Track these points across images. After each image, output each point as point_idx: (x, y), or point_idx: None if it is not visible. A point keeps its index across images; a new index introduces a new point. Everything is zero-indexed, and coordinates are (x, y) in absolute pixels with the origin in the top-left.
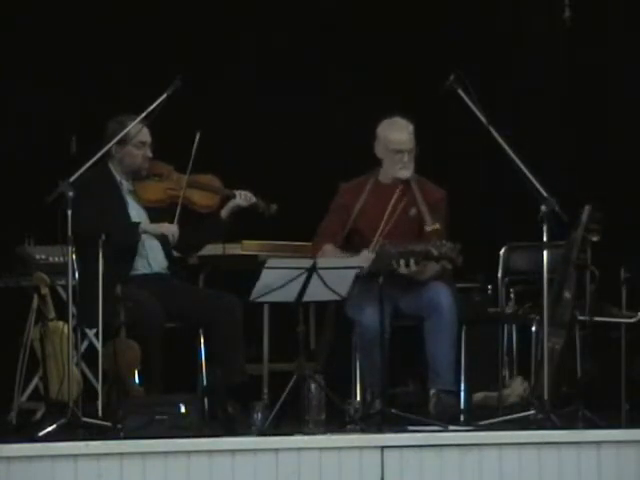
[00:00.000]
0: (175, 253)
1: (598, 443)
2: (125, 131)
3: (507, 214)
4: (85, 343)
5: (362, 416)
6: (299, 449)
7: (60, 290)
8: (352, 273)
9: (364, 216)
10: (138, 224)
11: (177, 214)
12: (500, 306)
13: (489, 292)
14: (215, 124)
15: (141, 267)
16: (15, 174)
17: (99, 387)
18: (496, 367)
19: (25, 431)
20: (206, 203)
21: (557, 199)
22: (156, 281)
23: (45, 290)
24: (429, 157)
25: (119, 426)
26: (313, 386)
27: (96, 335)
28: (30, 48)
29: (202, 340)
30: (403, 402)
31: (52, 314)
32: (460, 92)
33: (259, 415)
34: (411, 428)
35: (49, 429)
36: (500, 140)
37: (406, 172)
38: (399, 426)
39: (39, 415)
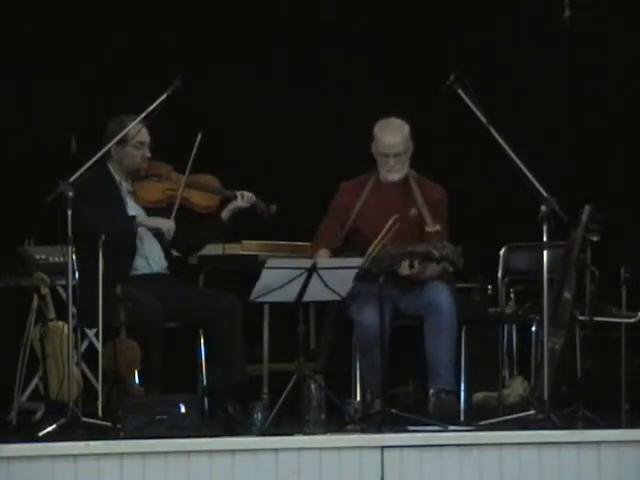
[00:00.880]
0: (175, 253)
1: (598, 443)
2: (125, 131)
3: (507, 214)
4: (85, 343)
5: (362, 416)
6: (299, 449)
7: (60, 290)
8: (352, 273)
9: (364, 216)
10: (134, 217)
11: (174, 211)
12: (500, 306)
13: (489, 292)
14: (215, 124)
15: (141, 267)
16: (15, 174)
17: (99, 387)
18: (496, 367)
19: (25, 431)
20: (205, 204)
21: (557, 199)
22: (156, 281)
23: (45, 290)
24: (429, 157)
25: (119, 426)
26: (313, 386)
27: (96, 335)
28: (30, 48)
29: (202, 340)
30: (403, 402)
31: (52, 314)
32: (460, 92)
33: (259, 415)
34: (411, 428)
35: (49, 429)
36: (500, 140)
37: (394, 175)
38: (399, 426)
39: (39, 415)
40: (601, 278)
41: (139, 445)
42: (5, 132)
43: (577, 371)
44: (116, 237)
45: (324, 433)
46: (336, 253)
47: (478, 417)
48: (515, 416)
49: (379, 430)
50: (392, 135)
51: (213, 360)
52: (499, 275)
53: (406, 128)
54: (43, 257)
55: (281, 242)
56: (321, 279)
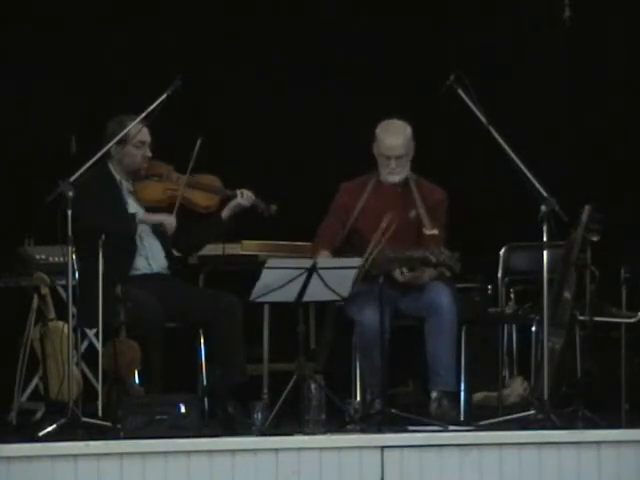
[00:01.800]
0: (175, 253)
1: (598, 443)
2: (125, 131)
3: (507, 214)
4: (85, 343)
5: (362, 416)
6: (299, 449)
7: (60, 290)
8: (352, 273)
9: (364, 216)
10: (134, 214)
11: (175, 210)
12: (500, 306)
13: (489, 292)
14: (215, 124)
15: (141, 267)
16: (15, 174)
17: (99, 387)
18: (496, 367)
19: (25, 431)
20: (206, 204)
21: (557, 199)
22: (156, 281)
23: (45, 290)
24: (429, 157)
25: (119, 426)
26: (313, 386)
27: (96, 335)
28: (30, 48)
29: (202, 340)
30: (403, 402)
31: (52, 314)
32: (460, 92)
33: (259, 415)
34: (411, 428)
35: (49, 429)
36: (500, 140)
37: (395, 177)
38: (399, 426)
39: (39, 415)
40: (601, 278)
41: (139, 445)
42: (5, 132)
43: (577, 371)
44: (117, 234)
45: (324, 433)
46: (336, 254)
47: (478, 417)
48: (515, 416)
49: (379, 430)
50: (394, 137)
51: (213, 360)
52: (499, 275)
53: (408, 130)
54: (43, 257)
55: (281, 242)
56: (321, 279)
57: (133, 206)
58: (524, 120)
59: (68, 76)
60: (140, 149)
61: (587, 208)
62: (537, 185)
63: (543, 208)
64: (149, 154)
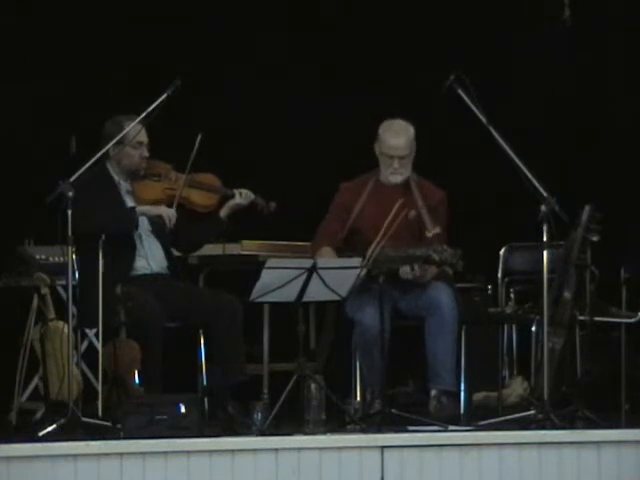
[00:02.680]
0: (175, 252)
1: (598, 443)
2: (125, 131)
3: (507, 214)
4: (85, 343)
5: (362, 416)
6: (299, 449)
7: (60, 290)
8: (352, 273)
9: (364, 216)
10: (134, 208)
11: (174, 207)
12: (500, 306)
13: (489, 292)
14: (214, 123)
15: (141, 267)
16: (15, 174)
17: (99, 387)
18: (496, 367)
19: (25, 431)
20: (205, 203)
21: (557, 199)
22: (156, 281)
23: (45, 290)
24: (429, 157)
25: (119, 426)
26: (313, 386)
27: (96, 335)
28: (30, 48)
29: (202, 340)
30: (403, 402)
31: (52, 314)
32: (460, 92)
33: (259, 415)
34: (411, 428)
35: (49, 429)
36: (500, 140)
37: (397, 177)
38: (399, 426)
39: (39, 415)
40: (601, 278)
41: (139, 445)
42: (5, 132)
43: (577, 371)
44: (117, 230)
45: (324, 433)
46: (337, 253)
47: (478, 417)
48: (515, 416)
49: (379, 430)
50: (397, 137)
51: (213, 360)
52: (499, 275)
53: (411, 130)
54: (43, 257)
55: (281, 242)
56: (321, 279)
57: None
58: (524, 120)
59: (68, 76)
60: (137, 149)
61: (587, 208)
62: (537, 185)
63: (543, 208)
64: (147, 154)
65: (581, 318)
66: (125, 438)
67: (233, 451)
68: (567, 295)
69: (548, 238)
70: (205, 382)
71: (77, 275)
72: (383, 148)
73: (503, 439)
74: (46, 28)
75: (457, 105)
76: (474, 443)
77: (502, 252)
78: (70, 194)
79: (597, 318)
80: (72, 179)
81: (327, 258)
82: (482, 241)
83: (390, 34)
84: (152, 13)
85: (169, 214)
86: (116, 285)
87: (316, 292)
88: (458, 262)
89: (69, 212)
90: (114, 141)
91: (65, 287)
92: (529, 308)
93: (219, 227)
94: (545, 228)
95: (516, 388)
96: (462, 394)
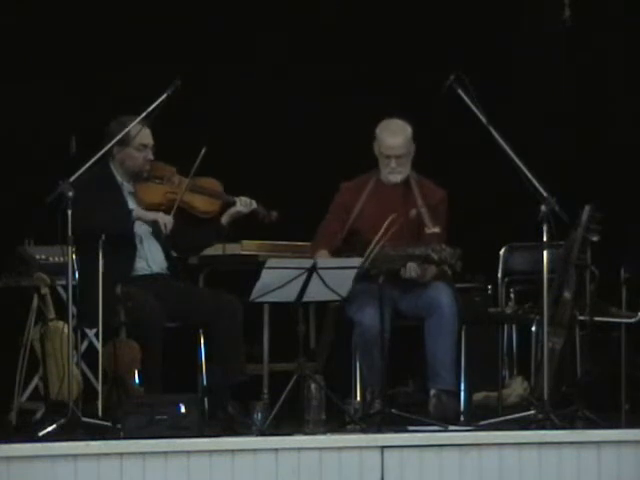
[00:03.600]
0: (174, 254)
1: (598, 443)
2: (125, 131)
3: (507, 214)
4: (85, 343)
5: (362, 416)
6: (299, 449)
7: (60, 290)
8: (352, 273)
9: (364, 216)
10: (131, 211)
11: (173, 211)
12: (500, 306)
13: (489, 292)
14: (214, 123)
15: (141, 268)
16: (15, 174)
17: (99, 387)
18: (496, 367)
19: (25, 431)
20: (206, 208)
21: (557, 199)
22: (156, 281)
23: (45, 290)
24: (429, 157)
25: (119, 426)
26: (313, 386)
27: (96, 335)
28: (30, 48)
29: (202, 340)
30: (403, 402)
31: (52, 314)
32: (460, 92)
33: (259, 415)
34: (411, 428)
35: (49, 429)
36: (500, 140)
37: (396, 177)
38: (399, 426)
39: (39, 415)
40: (601, 278)
41: (139, 445)
42: (5, 132)
43: (577, 371)
44: (113, 230)
45: (324, 433)
46: (336, 254)
47: (478, 417)
48: (515, 416)
49: (379, 430)
50: (394, 137)
51: (213, 360)
52: (499, 275)
53: (408, 129)
54: (43, 257)
55: (281, 242)
56: (321, 279)
57: (133, 207)
58: (524, 120)
59: (68, 76)
60: (142, 152)
61: (587, 208)
62: (537, 185)
63: (543, 208)
64: (151, 157)
65: (581, 318)
66: (125, 438)
67: (233, 451)
68: (567, 295)
69: (548, 238)
70: (205, 382)
71: (77, 275)
72: (381, 148)
73: (503, 439)
74: (46, 28)
75: (457, 105)
76: (474, 443)
77: (502, 252)
78: (70, 194)
79: (597, 318)
80: (72, 179)
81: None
82: (482, 241)
83: (390, 34)
84: (152, 13)
85: (165, 220)
86: (116, 285)
87: (316, 292)
88: (457, 262)
89: (69, 212)
90: (113, 142)
91: (65, 287)
92: (529, 308)
93: (219, 233)
94: (545, 228)
95: (516, 388)
96: (462, 394)
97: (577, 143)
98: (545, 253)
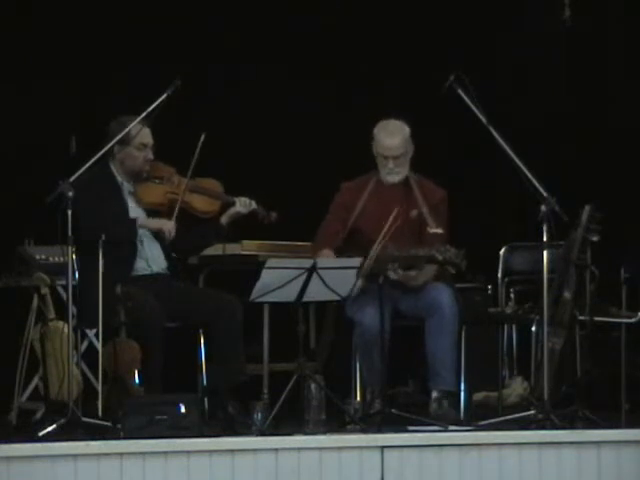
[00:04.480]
0: (174, 254)
1: (598, 443)
2: (125, 131)
3: (507, 214)
4: (85, 343)
5: (362, 416)
6: (299, 449)
7: (60, 290)
8: (352, 273)
9: (365, 216)
10: (135, 219)
11: (174, 214)
12: (500, 306)
13: (489, 292)
14: (214, 123)
15: (141, 268)
16: (15, 174)
17: (99, 387)
18: (496, 367)
19: (25, 431)
20: (206, 209)
21: (557, 199)
22: (156, 282)
23: (45, 290)
24: (429, 157)
25: (119, 426)
26: (313, 386)
27: (96, 335)
28: (30, 48)
29: (202, 340)
30: (403, 402)
31: (52, 314)
32: (460, 92)
33: (259, 415)
34: (411, 428)
35: (49, 429)
36: (500, 140)
37: (394, 177)
38: (399, 426)
39: (39, 415)
40: (601, 278)
41: (139, 445)
42: (5, 132)
43: (577, 371)
44: (117, 240)
45: (324, 433)
46: (337, 254)
47: (478, 417)
48: (515, 416)
49: (379, 430)
50: (392, 137)
51: (213, 360)
52: (499, 275)
53: (406, 130)
54: (43, 257)
55: (281, 242)
56: (321, 279)
57: (133, 208)
58: (524, 120)
59: (68, 76)
60: (142, 151)
61: (587, 208)
62: (537, 185)
63: (543, 208)
64: (151, 157)
65: (581, 318)
66: (125, 438)
67: (233, 451)
68: (567, 295)
69: (548, 238)
70: (205, 382)
71: (77, 275)
72: (378, 148)
73: (503, 439)
74: (46, 28)
75: (457, 105)
76: (474, 443)
77: (502, 252)
78: (70, 194)
79: (597, 318)
80: (72, 179)
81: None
82: (482, 241)
83: (390, 34)
84: (152, 13)
85: (169, 228)
86: (116, 285)
87: (316, 292)
88: (462, 262)
89: (69, 212)
90: (114, 142)
91: (65, 287)
92: (529, 308)
93: (219, 233)
94: (545, 228)
95: (516, 388)
96: (462, 394)
97: (577, 143)
98: (545, 253)
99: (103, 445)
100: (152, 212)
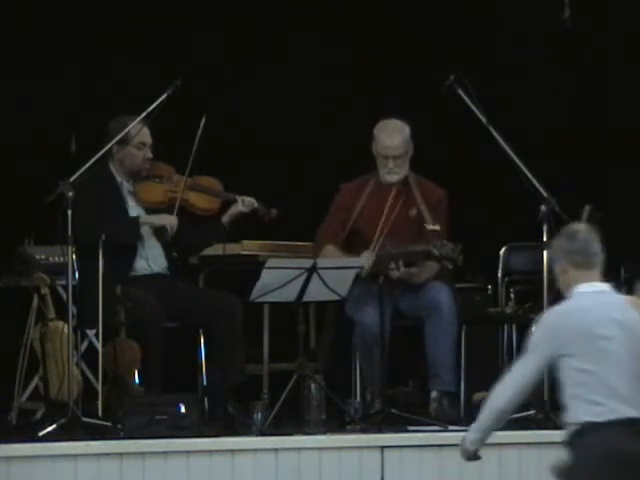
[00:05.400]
0: (175, 254)
1: None
2: (125, 131)
3: (507, 214)
4: (85, 343)
5: (362, 416)
6: (299, 449)
7: (60, 290)
8: (352, 273)
9: (364, 216)
10: (137, 218)
11: (175, 211)
12: (500, 306)
13: (489, 292)
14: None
15: (141, 268)
16: (15, 174)
17: (99, 387)
18: (496, 367)
19: (25, 431)
20: (206, 206)
21: (557, 199)
22: (156, 281)
23: (45, 290)
24: (429, 157)
25: (119, 426)
26: (313, 386)
27: (96, 335)
28: (30, 47)
29: (202, 340)
30: (403, 402)
31: (52, 314)
32: (460, 92)
33: (259, 415)
34: (411, 428)
35: (49, 429)
36: (500, 140)
37: (393, 177)
38: (399, 426)
39: (39, 415)
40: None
41: (139, 445)
42: (5, 132)
43: None
44: (121, 240)
45: (324, 433)
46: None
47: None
48: (515, 416)
49: (379, 430)
50: (392, 137)
51: (213, 360)
52: (499, 275)
53: (406, 129)
54: (43, 257)
55: (281, 242)
56: (321, 279)
57: (133, 207)
58: (524, 120)
59: (68, 76)
60: (141, 150)
61: (587, 208)
62: (537, 185)
63: (543, 208)
64: (150, 155)
65: None
66: (125, 438)
67: (233, 451)
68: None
69: (548, 238)
70: (205, 382)
71: (77, 275)
72: (378, 148)
73: (503, 439)
74: (46, 28)
75: (457, 105)
76: None
77: (502, 252)
78: (70, 194)
79: None
80: (72, 179)
81: (331, 256)
82: (482, 241)
83: (390, 34)
84: (152, 13)
85: (172, 223)
86: (116, 285)
87: (316, 292)
88: (458, 256)
89: (69, 212)
90: (114, 141)
91: (65, 287)
92: (529, 308)
93: (220, 232)
94: (545, 228)
95: None
96: (462, 394)
97: (577, 143)
98: (545, 253)
99: (103, 445)
100: (152, 211)
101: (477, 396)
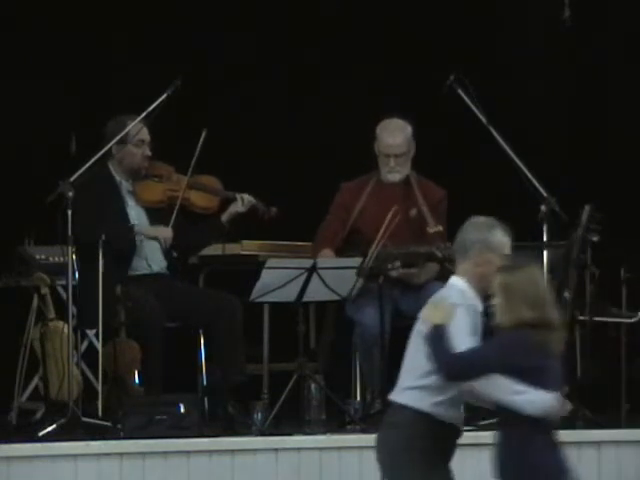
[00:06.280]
0: (174, 254)
1: (598, 443)
2: (125, 131)
3: (507, 214)
4: (85, 343)
5: (362, 416)
6: (299, 449)
7: (60, 290)
8: (352, 273)
9: (364, 216)
10: (132, 227)
11: (174, 216)
12: None
13: None
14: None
15: (141, 268)
16: (15, 174)
17: (99, 387)
18: None
19: (25, 431)
20: (205, 205)
21: (557, 199)
22: (156, 281)
23: (45, 290)
24: (429, 157)
25: (119, 426)
26: (313, 386)
27: (96, 335)
28: (30, 47)
29: (202, 340)
30: None
31: (52, 314)
32: (460, 92)
33: (259, 415)
34: None
35: (49, 429)
36: (500, 140)
37: (395, 176)
38: None
39: (39, 415)
40: (601, 278)
41: (139, 445)
42: (5, 132)
43: (577, 371)
44: (115, 245)
45: (324, 433)
46: (337, 254)
47: (478, 417)
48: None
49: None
50: (394, 136)
51: (213, 360)
52: None
53: (408, 129)
54: (43, 257)
55: (281, 242)
56: (321, 279)
57: (132, 206)
58: (524, 120)
59: (68, 76)
60: (140, 148)
61: (587, 208)
62: (537, 185)
63: (543, 208)
64: (149, 153)
65: (581, 318)
66: (125, 438)
67: (233, 451)
68: (567, 295)
69: (548, 238)
70: (205, 382)
71: (77, 275)
72: (380, 147)
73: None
74: (46, 28)
75: (457, 105)
76: (474, 443)
77: None
78: (70, 194)
79: (597, 318)
80: (72, 179)
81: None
82: None
83: (390, 34)
84: (152, 13)
85: (166, 236)
86: (116, 285)
87: (316, 292)
88: None
89: (69, 212)
90: (114, 141)
91: (65, 287)
92: None
93: (220, 231)
94: (545, 228)
95: None
96: None
97: (577, 143)
98: (545, 253)
99: (103, 445)
100: (152, 210)
101: None
